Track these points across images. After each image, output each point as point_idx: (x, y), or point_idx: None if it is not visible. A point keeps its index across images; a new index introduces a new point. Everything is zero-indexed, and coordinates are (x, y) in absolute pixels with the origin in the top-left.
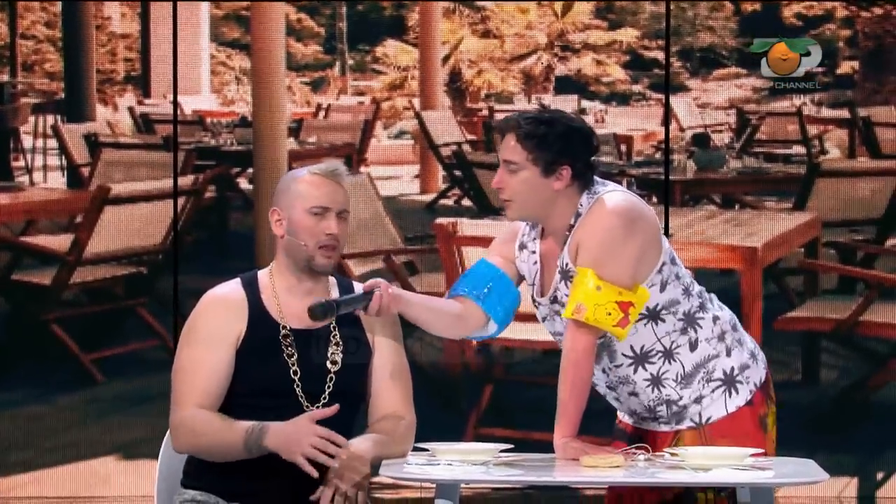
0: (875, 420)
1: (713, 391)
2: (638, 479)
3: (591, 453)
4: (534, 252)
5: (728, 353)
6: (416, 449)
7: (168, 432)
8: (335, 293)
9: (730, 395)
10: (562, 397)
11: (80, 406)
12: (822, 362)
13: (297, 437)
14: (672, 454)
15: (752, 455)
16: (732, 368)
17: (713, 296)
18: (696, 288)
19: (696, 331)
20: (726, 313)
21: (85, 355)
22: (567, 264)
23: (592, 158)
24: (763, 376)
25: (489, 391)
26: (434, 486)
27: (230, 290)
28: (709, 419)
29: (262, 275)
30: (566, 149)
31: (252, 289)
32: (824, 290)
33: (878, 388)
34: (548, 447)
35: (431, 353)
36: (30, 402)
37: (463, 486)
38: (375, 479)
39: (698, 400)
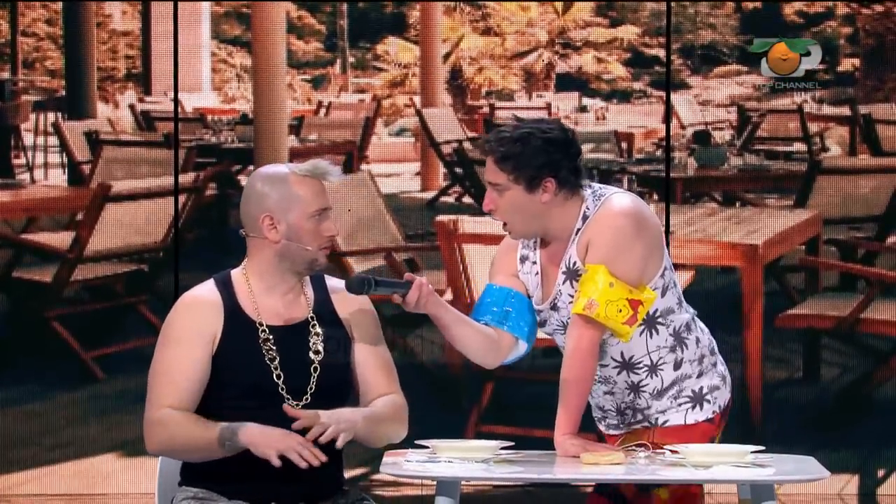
0: (876, 417)
1: (680, 405)
2: (638, 476)
3: (591, 450)
4: (535, 263)
5: (700, 375)
6: (416, 446)
7: None
8: (309, 290)
9: (692, 410)
10: (563, 394)
11: (81, 403)
12: (823, 360)
13: (277, 435)
14: (672, 451)
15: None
16: (702, 388)
17: (696, 317)
18: (686, 305)
19: (682, 350)
20: (706, 337)
21: (86, 353)
22: (574, 263)
23: (577, 161)
24: (727, 400)
25: (490, 388)
26: (434, 483)
27: (205, 292)
28: (665, 423)
29: (236, 274)
30: (546, 162)
31: (227, 289)
32: (825, 287)
33: (880, 385)
34: (549, 444)
35: (432, 350)
36: (31, 399)
37: (463, 483)
38: (376, 477)
39: (664, 411)
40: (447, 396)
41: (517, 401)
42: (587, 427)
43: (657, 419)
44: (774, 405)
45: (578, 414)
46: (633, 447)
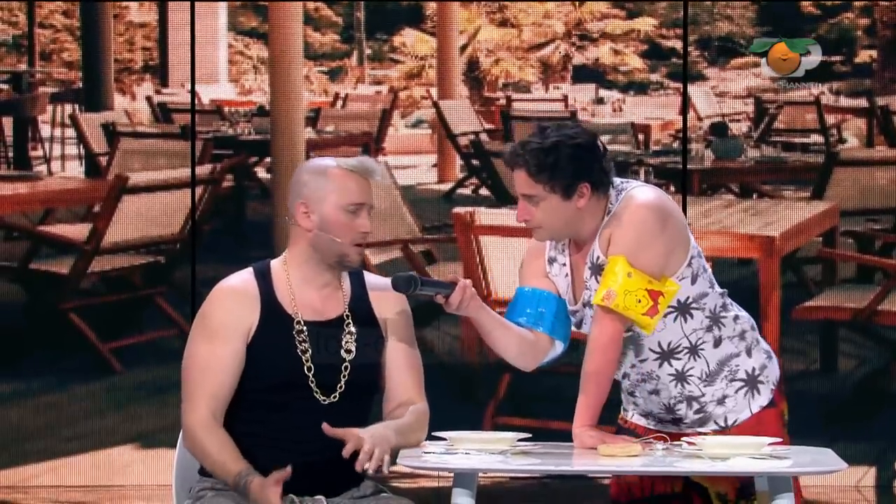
0: (894, 409)
1: (736, 391)
2: (656, 468)
3: (608, 442)
4: (564, 264)
5: (749, 353)
6: (434, 438)
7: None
8: (347, 284)
9: (753, 397)
10: (584, 386)
11: (98, 395)
12: (840, 351)
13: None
14: (689, 443)
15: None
16: (754, 369)
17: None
18: (717, 285)
19: (719, 328)
20: (745, 314)
21: (103, 344)
22: (598, 257)
23: (605, 161)
24: (778, 374)
25: (507, 381)
26: (452, 474)
27: (242, 282)
28: (735, 422)
29: (276, 265)
30: (579, 169)
31: (265, 280)
32: (842, 279)
33: None
34: (566, 436)
35: (449, 343)
36: (48, 391)
37: (481, 474)
38: (393, 469)
39: (721, 401)
40: (464, 388)
41: (534, 393)
42: (603, 419)
43: (726, 419)
44: (791, 397)
45: (598, 406)
46: (651, 440)
